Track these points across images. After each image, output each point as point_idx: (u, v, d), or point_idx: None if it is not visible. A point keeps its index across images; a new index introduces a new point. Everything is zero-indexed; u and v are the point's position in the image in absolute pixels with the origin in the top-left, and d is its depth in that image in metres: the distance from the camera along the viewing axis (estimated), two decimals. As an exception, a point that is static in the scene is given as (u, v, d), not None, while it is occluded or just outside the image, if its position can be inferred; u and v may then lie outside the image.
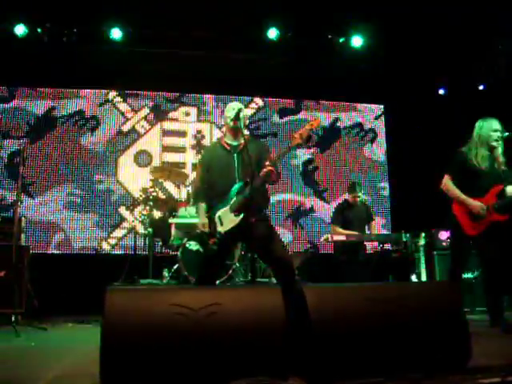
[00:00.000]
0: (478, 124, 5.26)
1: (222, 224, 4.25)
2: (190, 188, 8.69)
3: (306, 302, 3.15)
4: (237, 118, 4.41)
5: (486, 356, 3.46)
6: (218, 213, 4.31)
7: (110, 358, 2.69)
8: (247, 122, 4.60)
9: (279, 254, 4.20)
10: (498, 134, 5.05)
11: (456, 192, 5.10)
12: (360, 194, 7.94)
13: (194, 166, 9.54)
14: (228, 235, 4.27)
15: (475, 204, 4.98)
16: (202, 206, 4.48)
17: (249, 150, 4.33)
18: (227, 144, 4.51)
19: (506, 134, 5.13)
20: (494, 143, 5.06)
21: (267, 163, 4.13)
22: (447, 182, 5.18)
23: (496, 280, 5.15)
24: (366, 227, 7.95)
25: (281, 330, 2.89)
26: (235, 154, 4.38)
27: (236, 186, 4.25)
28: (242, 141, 4.48)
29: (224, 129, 4.75)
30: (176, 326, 2.78)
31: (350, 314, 3.02)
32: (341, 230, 7.68)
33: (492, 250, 5.02)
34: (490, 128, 5.11)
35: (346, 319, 3.00)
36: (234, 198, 4.22)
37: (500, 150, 5.13)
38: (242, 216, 4.16)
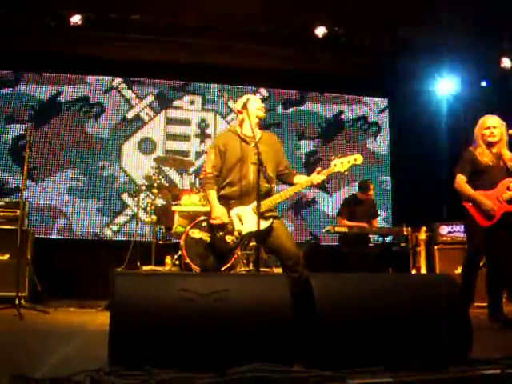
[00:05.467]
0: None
1: (242, 223, 4.22)
2: (193, 176, 8.73)
3: (313, 291, 3.19)
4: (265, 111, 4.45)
5: (486, 349, 3.50)
6: (237, 210, 4.27)
7: (119, 340, 2.72)
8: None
9: (289, 246, 4.26)
10: (492, 130, 5.13)
11: (469, 191, 5.17)
12: (371, 193, 8.03)
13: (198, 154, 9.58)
14: (247, 235, 4.28)
15: (488, 203, 5.05)
16: (214, 193, 4.41)
17: (265, 144, 4.34)
18: (245, 135, 4.48)
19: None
20: (489, 139, 5.15)
21: (319, 170, 4.35)
22: (460, 182, 5.24)
23: (500, 273, 5.21)
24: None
25: (287, 316, 2.93)
26: (252, 147, 4.26)
27: (262, 188, 4.16)
28: (260, 134, 4.47)
29: (240, 119, 4.63)
30: (184, 311, 2.82)
31: (356, 303, 3.06)
32: (347, 222, 7.76)
33: (503, 241, 5.09)
34: (482, 126, 5.22)
35: (351, 308, 3.03)
36: (256, 202, 4.09)
37: (502, 146, 5.19)
38: (269, 222, 4.16)
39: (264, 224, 4.17)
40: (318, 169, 4.38)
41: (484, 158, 5.16)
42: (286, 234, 4.38)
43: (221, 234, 4.26)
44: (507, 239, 5.11)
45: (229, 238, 4.23)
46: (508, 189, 5.09)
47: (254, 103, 4.51)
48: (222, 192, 4.41)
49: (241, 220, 4.25)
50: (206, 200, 4.62)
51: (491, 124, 5.18)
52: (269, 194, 4.37)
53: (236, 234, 4.23)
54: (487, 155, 5.16)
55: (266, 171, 4.15)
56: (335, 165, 4.32)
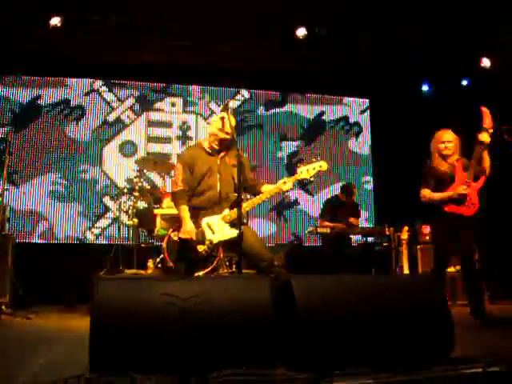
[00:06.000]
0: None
1: (212, 232, 4.34)
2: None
3: (292, 292, 3.20)
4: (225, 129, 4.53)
5: (468, 347, 3.53)
6: (207, 220, 4.39)
7: (100, 346, 2.70)
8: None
9: (259, 248, 4.37)
10: (446, 144, 5.44)
11: (434, 195, 5.42)
12: (354, 197, 8.08)
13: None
14: (218, 243, 4.40)
15: (454, 190, 5.26)
16: (185, 208, 4.52)
17: (230, 156, 4.48)
18: (210, 149, 4.59)
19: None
20: (444, 152, 5.46)
21: (285, 179, 4.52)
22: (424, 193, 5.51)
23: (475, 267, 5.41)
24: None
25: (269, 319, 2.93)
26: (218, 160, 4.54)
27: (229, 197, 4.48)
28: (224, 147, 4.59)
29: (208, 134, 4.81)
30: (164, 315, 2.81)
31: (337, 304, 3.07)
32: (328, 224, 7.78)
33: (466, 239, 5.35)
34: (438, 140, 5.54)
35: (333, 310, 3.04)
36: (227, 210, 4.42)
37: (456, 156, 5.47)
38: (239, 230, 4.25)
39: (233, 232, 4.33)
40: (285, 178, 4.51)
41: (441, 168, 5.45)
42: (255, 237, 4.53)
43: (193, 243, 4.39)
44: (469, 237, 5.36)
45: (200, 248, 4.35)
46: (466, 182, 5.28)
47: (216, 123, 4.63)
48: (192, 203, 4.53)
49: (211, 229, 4.40)
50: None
51: (446, 139, 5.48)
52: (237, 203, 4.49)
53: (207, 243, 4.35)
54: (443, 165, 5.45)
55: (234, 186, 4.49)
56: (301, 172, 4.52)
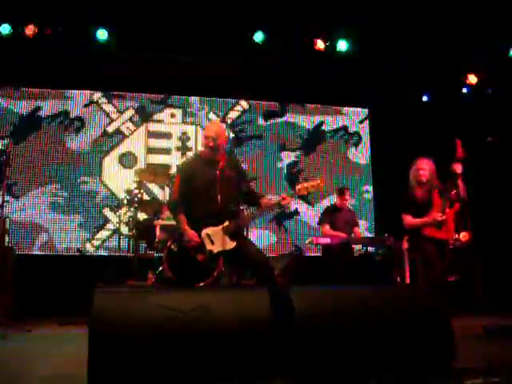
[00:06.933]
0: None
1: (212, 243, 4.36)
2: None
3: (292, 304, 3.19)
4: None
5: (469, 358, 3.51)
6: (206, 230, 4.40)
7: (98, 361, 2.69)
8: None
9: (259, 260, 4.37)
10: (421, 172, 5.69)
11: (417, 221, 5.66)
12: (348, 198, 8.05)
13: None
14: (218, 254, 4.41)
15: (431, 216, 5.54)
16: (184, 218, 4.53)
17: (229, 167, 4.49)
18: (208, 159, 4.60)
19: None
20: (420, 179, 5.70)
21: (284, 195, 4.44)
22: (407, 220, 5.75)
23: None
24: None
25: (268, 331, 2.92)
26: (216, 170, 4.48)
27: (228, 208, 4.43)
28: (222, 158, 4.60)
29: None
30: (164, 328, 2.80)
31: (337, 315, 3.06)
32: (330, 230, 7.77)
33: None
34: (415, 167, 5.79)
35: (333, 320, 3.03)
36: (227, 222, 4.38)
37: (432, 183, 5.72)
38: (237, 242, 4.30)
39: (232, 244, 4.36)
40: (283, 195, 4.53)
41: (419, 195, 5.72)
42: (254, 248, 4.53)
43: (192, 253, 4.39)
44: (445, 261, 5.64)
45: (200, 258, 4.36)
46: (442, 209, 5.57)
47: (204, 131, 4.69)
48: (192, 214, 4.52)
49: (211, 240, 4.39)
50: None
51: (421, 166, 5.73)
52: (237, 215, 4.55)
53: (207, 253, 4.36)
54: (421, 192, 5.72)
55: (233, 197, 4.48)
56: (299, 189, 4.61)
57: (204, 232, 4.44)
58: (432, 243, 5.53)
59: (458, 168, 5.48)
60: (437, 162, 5.91)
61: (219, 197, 4.44)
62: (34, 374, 3.37)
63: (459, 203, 5.65)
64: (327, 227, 7.85)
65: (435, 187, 5.68)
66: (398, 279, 7.72)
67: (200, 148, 7.46)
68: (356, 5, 7.98)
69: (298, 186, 4.59)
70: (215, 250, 4.42)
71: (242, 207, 4.86)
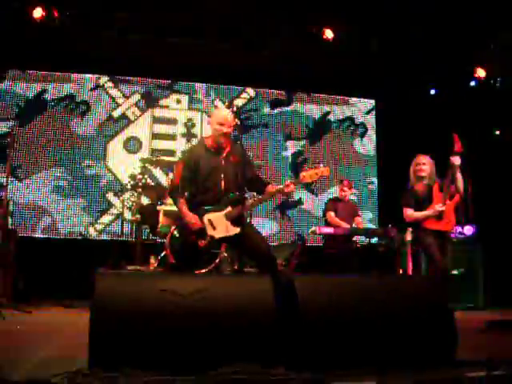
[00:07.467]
0: None
1: (214, 228, 4.37)
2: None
3: (295, 291, 3.17)
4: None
5: (472, 351, 3.50)
6: (208, 216, 4.40)
7: (99, 343, 2.69)
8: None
9: (262, 248, 4.40)
10: (421, 167, 5.80)
11: (417, 214, 5.74)
12: (345, 189, 8.05)
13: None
14: (220, 240, 4.43)
15: (432, 209, 5.63)
16: (183, 201, 4.52)
17: (234, 154, 4.50)
18: (213, 146, 4.59)
19: None
20: (418, 174, 5.81)
21: (288, 182, 4.48)
22: (408, 213, 5.83)
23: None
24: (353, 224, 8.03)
25: (269, 317, 2.91)
26: (221, 157, 4.53)
27: (231, 195, 4.47)
28: (227, 144, 4.59)
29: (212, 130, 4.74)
30: (165, 312, 2.79)
31: (340, 304, 3.04)
32: (335, 218, 7.77)
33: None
34: (414, 163, 5.89)
35: (336, 309, 3.02)
36: (229, 208, 4.41)
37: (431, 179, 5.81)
38: (240, 228, 4.29)
39: (235, 230, 4.40)
40: (287, 182, 4.52)
41: (419, 189, 5.82)
42: (257, 236, 4.56)
43: (193, 238, 4.39)
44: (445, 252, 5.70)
45: (201, 243, 4.37)
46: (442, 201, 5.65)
47: (215, 117, 4.62)
48: (195, 199, 4.52)
49: (213, 225, 4.40)
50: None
51: (421, 161, 5.84)
52: (240, 201, 4.55)
53: (208, 238, 4.37)
54: (421, 187, 5.82)
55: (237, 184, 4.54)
56: (304, 176, 4.61)
57: (206, 217, 4.44)
58: (432, 235, 5.62)
59: (457, 161, 5.56)
60: (442, 154, 5.94)
61: (223, 183, 4.46)
62: (33, 355, 3.36)
63: (459, 195, 5.75)
64: (332, 214, 7.87)
65: (435, 182, 5.77)
66: (401, 271, 7.72)
67: (205, 134, 7.40)
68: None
69: (303, 173, 4.59)
70: (217, 236, 4.43)
71: (246, 194, 4.87)
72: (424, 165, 5.80)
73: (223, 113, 4.72)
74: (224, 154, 4.54)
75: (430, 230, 5.65)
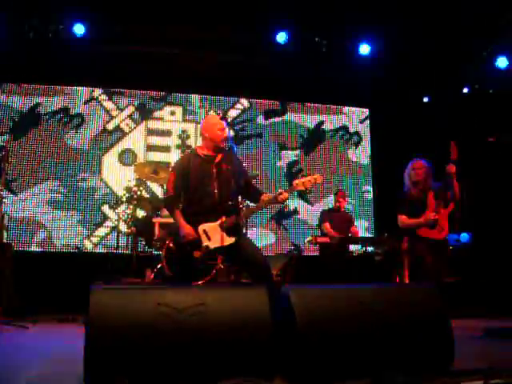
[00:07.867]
0: None
1: (209, 239, 4.35)
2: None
3: (292, 303, 3.16)
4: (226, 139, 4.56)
5: (469, 359, 3.49)
6: (203, 226, 4.39)
7: (94, 358, 2.67)
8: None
9: (257, 259, 4.39)
10: (416, 171, 5.86)
11: (412, 221, 5.80)
12: (340, 200, 8.09)
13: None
14: (215, 250, 4.42)
15: (425, 217, 5.69)
16: (179, 213, 4.52)
17: (227, 162, 4.49)
18: (205, 155, 4.59)
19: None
20: (415, 178, 5.87)
21: (281, 190, 4.52)
22: (402, 220, 5.92)
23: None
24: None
25: (267, 330, 2.89)
26: (213, 165, 4.53)
27: (225, 204, 4.46)
28: (220, 153, 4.59)
29: (204, 138, 4.73)
30: (161, 326, 2.77)
31: (336, 315, 3.03)
32: (330, 228, 7.81)
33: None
34: (410, 168, 5.97)
35: (332, 321, 3.00)
36: (224, 218, 4.40)
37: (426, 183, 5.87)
38: (235, 238, 4.29)
39: (230, 240, 4.41)
40: (281, 190, 4.52)
41: (414, 194, 5.89)
42: (252, 246, 4.55)
43: (188, 249, 4.39)
44: (439, 260, 5.75)
45: (196, 254, 4.36)
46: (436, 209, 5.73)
47: (214, 124, 4.62)
48: (189, 210, 4.51)
49: (208, 236, 4.39)
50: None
51: (416, 166, 5.90)
52: (234, 210, 4.55)
53: (203, 249, 4.36)
54: (416, 192, 5.88)
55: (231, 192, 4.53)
56: (297, 184, 4.61)
57: (201, 228, 4.43)
58: (424, 243, 5.67)
59: (452, 169, 5.62)
60: (437, 162, 5.98)
61: (216, 192, 4.45)
62: (30, 371, 3.34)
63: (453, 203, 5.78)
64: (327, 225, 7.91)
65: (430, 188, 5.81)
66: (397, 279, 7.71)
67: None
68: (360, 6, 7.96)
69: (295, 181, 4.60)
70: (212, 246, 4.41)
71: (241, 204, 4.88)
72: (419, 170, 5.83)
73: (219, 119, 4.74)
74: (216, 163, 4.53)
75: (424, 237, 5.70)
